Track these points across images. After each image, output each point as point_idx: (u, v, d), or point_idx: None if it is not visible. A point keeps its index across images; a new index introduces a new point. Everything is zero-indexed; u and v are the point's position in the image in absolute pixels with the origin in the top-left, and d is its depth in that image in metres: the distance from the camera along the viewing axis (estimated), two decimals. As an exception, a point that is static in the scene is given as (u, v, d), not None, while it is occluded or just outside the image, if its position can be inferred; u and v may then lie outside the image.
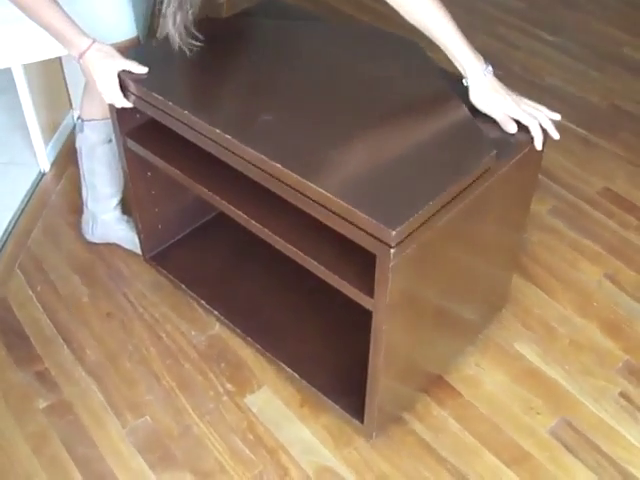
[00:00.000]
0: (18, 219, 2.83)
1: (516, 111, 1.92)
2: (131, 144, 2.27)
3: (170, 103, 1.98)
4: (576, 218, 2.86)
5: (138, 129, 2.27)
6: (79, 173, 2.63)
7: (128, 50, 2.17)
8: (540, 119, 1.92)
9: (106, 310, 2.52)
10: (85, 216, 2.70)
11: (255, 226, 1.97)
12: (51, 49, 2.30)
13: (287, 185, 1.76)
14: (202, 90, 2.09)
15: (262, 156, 1.78)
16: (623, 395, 2.27)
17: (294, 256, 1.90)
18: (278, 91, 2.04)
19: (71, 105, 3.23)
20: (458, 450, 2.13)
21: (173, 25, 2.03)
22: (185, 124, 1.97)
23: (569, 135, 3.22)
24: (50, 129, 3.09)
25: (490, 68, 1.96)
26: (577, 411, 2.23)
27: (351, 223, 1.64)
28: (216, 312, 2.42)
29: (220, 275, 2.54)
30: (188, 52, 2.09)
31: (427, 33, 1.97)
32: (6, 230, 2.78)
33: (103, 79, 2.05)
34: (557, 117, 1.96)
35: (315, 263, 1.84)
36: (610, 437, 2.17)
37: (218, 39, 2.18)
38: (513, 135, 1.92)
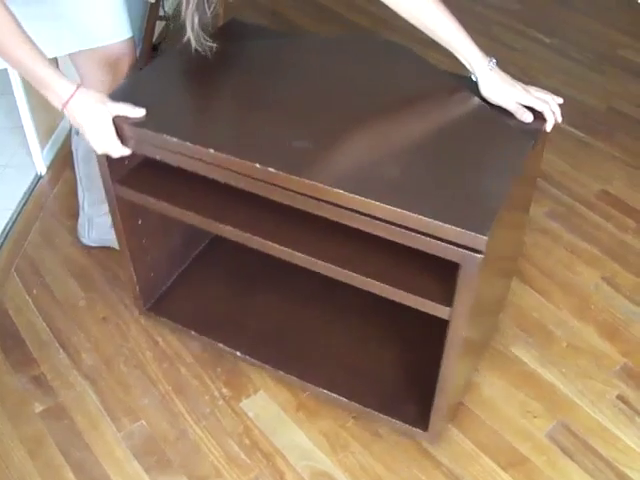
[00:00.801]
0: (15, 222, 2.83)
1: (528, 98, 1.91)
2: (124, 192, 2.06)
3: (188, 143, 1.80)
4: (573, 221, 2.85)
5: (128, 175, 2.08)
6: (75, 176, 2.62)
7: (115, 91, 2.00)
8: (550, 103, 1.94)
9: (102, 314, 2.51)
10: (81, 219, 2.70)
11: (301, 257, 1.86)
12: (47, 50, 2.27)
13: (353, 211, 1.66)
14: (214, 121, 1.93)
15: (320, 184, 1.66)
16: (621, 398, 2.27)
17: (350, 280, 1.82)
18: (296, 111, 1.93)
19: (67, 108, 3.22)
20: (455, 454, 2.13)
21: (191, 28, 1.94)
22: (210, 163, 1.80)
23: (566, 137, 3.22)
24: (47, 132, 3.08)
25: (494, 60, 1.95)
26: (574, 414, 2.23)
27: (430, 236, 1.60)
28: (238, 353, 2.27)
29: (227, 310, 2.40)
30: (209, 55, 2.00)
31: (427, 31, 1.96)
32: (2, 233, 2.77)
33: (96, 129, 1.86)
34: (560, 100, 1.98)
35: (380, 284, 1.77)
36: (608, 440, 2.17)
37: (208, 60, 2.04)
38: (527, 125, 1.90)
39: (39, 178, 3.02)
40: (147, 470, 2.10)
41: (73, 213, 2.78)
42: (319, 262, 1.83)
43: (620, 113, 3.46)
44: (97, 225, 2.63)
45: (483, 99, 1.95)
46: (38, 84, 1.83)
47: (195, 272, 2.51)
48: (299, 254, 1.86)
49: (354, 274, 1.79)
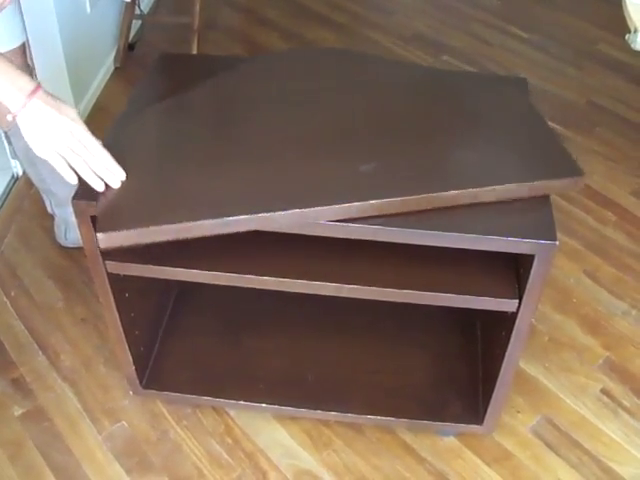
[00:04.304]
0: (-9, 224, 2.80)
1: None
2: (117, 267, 1.76)
3: (248, 216, 1.52)
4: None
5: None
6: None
7: None
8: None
9: (81, 315, 2.48)
10: (56, 221, 2.68)
11: (353, 289, 1.71)
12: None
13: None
14: (250, 181, 1.60)
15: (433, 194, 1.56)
16: (604, 391, 2.27)
17: (411, 299, 1.73)
18: (322, 136, 1.72)
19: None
20: (438, 450, 2.12)
21: None
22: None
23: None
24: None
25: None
26: (558, 408, 2.23)
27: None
28: (264, 404, 2.09)
29: (226, 361, 2.20)
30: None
31: None
32: (-21, 236, 2.74)
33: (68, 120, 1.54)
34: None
35: (447, 295, 1.71)
36: (592, 434, 2.17)
37: (188, 105, 1.86)
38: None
39: (15, 179, 2.98)
40: (128, 472, 2.08)
41: (50, 214, 2.75)
42: (376, 289, 1.72)
43: (599, 107, 3.46)
44: (73, 225, 2.59)
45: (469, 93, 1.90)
46: None
47: (177, 328, 2.29)
48: (353, 286, 1.71)
49: (420, 293, 1.72)
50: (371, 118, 1.79)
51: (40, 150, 1.56)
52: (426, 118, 1.81)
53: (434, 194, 1.56)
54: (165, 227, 1.51)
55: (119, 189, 1.58)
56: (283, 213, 1.52)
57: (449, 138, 1.74)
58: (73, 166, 1.56)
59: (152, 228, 1.51)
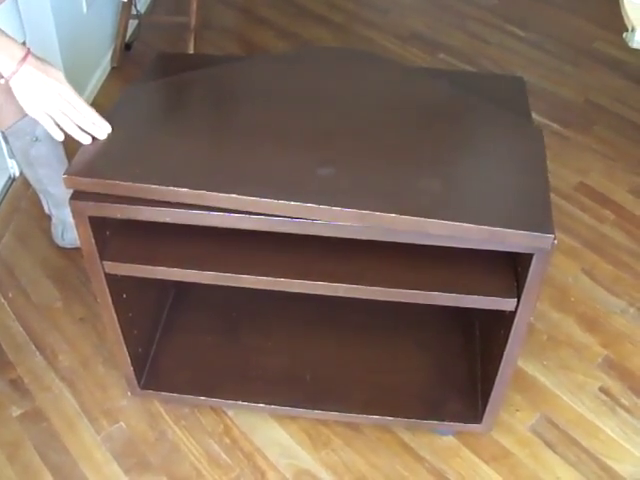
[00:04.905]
0: (-12, 225, 2.79)
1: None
2: (113, 267, 1.76)
3: (214, 193, 1.55)
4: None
5: (113, 247, 1.78)
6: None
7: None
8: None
9: (79, 315, 2.48)
10: (54, 222, 2.67)
11: (351, 289, 1.70)
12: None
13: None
14: (220, 165, 1.65)
15: (402, 216, 1.51)
16: (602, 389, 2.27)
17: (410, 298, 1.72)
18: (297, 134, 1.74)
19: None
20: (436, 448, 2.12)
21: None
22: (244, 212, 1.56)
23: (543, 130, 3.20)
24: (20, 133, 3.04)
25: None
26: (557, 407, 2.23)
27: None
28: (262, 404, 2.09)
29: (225, 360, 2.19)
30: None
31: None
32: (-24, 236, 2.73)
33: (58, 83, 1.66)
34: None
35: (444, 295, 1.70)
36: (590, 432, 2.17)
37: (187, 87, 1.91)
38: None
39: (12, 180, 2.98)
40: (127, 472, 2.08)
41: (48, 214, 2.75)
42: (373, 289, 1.70)
43: (597, 106, 3.46)
44: (70, 226, 2.59)
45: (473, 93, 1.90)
46: None
47: (175, 328, 2.28)
48: (350, 286, 1.71)
49: (418, 292, 1.71)
50: (357, 123, 1.80)
51: (31, 110, 1.67)
52: (413, 129, 1.80)
53: (368, 212, 1.52)
54: (114, 182, 1.60)
55: (100, 148, 1.69)
56: (220, 195, 1.55)
57: (425, 156, 1.71)
58: (61, 124, 1.68)
59: (109, 182, 1.60)
